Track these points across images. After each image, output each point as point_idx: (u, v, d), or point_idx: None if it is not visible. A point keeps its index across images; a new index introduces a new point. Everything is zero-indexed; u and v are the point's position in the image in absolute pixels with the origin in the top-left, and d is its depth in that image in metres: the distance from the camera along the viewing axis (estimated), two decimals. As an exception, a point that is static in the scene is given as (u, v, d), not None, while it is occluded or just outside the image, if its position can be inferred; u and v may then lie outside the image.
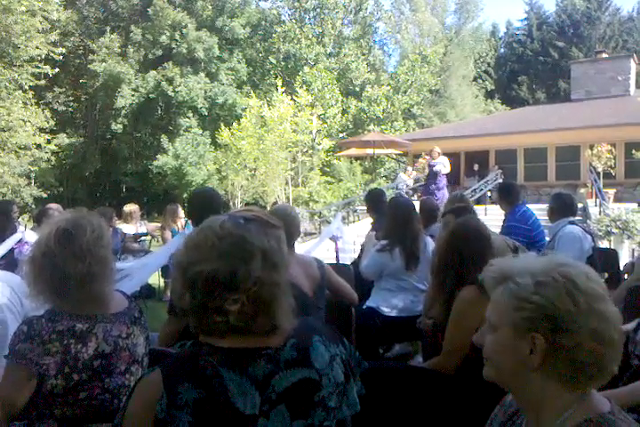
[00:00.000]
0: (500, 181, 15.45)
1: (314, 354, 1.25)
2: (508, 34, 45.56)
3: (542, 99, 37.55)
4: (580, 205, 12.44)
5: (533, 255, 1.17)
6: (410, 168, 18.85)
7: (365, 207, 9.59)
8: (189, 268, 1.17)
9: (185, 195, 23.83)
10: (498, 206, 5.44)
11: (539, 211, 5.55)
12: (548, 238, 4.63)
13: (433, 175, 12.26)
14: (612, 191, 14.29)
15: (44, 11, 17.51)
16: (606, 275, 4.80)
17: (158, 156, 25.16)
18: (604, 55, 23.17)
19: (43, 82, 18.70)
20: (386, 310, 3.63)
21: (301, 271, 2.80)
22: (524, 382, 1.10)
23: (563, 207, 4.39)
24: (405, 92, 28.74)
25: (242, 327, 1.18)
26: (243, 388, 1.16)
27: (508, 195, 5.07)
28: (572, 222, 4.30)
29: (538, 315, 1.04)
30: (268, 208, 17.50)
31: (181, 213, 7.25)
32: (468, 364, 2.15)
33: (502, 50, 45.25)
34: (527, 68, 40.96)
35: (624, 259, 7.88)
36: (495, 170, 17.47)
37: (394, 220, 3.77)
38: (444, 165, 12.28)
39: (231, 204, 18.65)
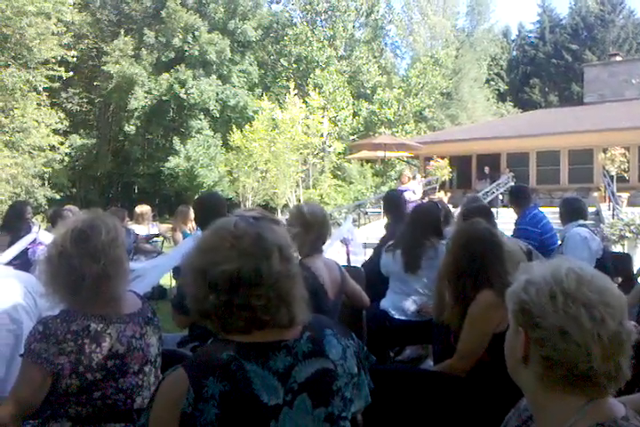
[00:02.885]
0: (512, 184, 15.37)
1: (328, 346, 1.30)
2: (521, 36, 45.38)
3: (555, 102, 37.36)
4: (593, 209, 12.41)
5: (557, 260, 1.17)
6: (418, 176, 18.84)
7: (375, 210, 9.59)
8: (211, 269, 1.20)
9: (196, 196, 23.91)
10: (509, 210, 5.44)
11: (551, 214, 5.52)
12: (560, 242, 4.61)
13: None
14: (625, 195, 14.18)
15: (58, 13, 17.67)
16: (620, 279, 4.76)
17: (170, 157, 25.31)
18: (618, 58, 23.01)
19: (57, 84, 18.85)
20: (395, 314, 3.63)
21: (328, 275, 2.80)
22: (521, 377, 1.14)
23: (571, 212, 4.43)
24: (417, 94, 28.71)
25: (266, 321, 1.23)
26: (265, 380, 1.20)
27: (518, 198, 5.07)
28: (581, 225, 4.30)
29: (520, 309, 1.12)
30: (279, 211, 17.57)
31: (192, 214, 7.27)
32: (483, 368, 2.14)
33: (514, 52, 45.07)
34: (540, 71, 40.77)
35: (638, 263, 7.80)
36: (507, 173, 17.39)
37: (409, 224, 3.78)
38: (413, 192, 10.76)
39: (242, 206, 18.71)
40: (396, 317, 3.61)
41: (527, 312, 1.09)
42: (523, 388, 1.17)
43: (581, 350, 1.03)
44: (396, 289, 3.71)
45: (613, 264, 4.41)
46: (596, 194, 15.15)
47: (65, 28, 18.45)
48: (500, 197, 15.51)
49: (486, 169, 18.58)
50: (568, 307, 1.05)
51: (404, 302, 3.62)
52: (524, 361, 1.11)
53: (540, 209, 5.11)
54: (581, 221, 4.34)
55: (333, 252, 6.91)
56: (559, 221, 4.62)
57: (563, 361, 1.05)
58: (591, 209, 11.34)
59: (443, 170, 17.55)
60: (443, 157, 18.11)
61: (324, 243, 2.95)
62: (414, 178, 18.64)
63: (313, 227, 2.73)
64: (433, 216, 3.79)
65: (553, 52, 40.43)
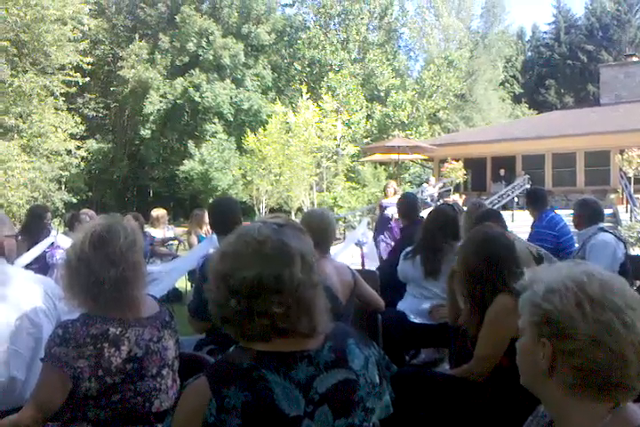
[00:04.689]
0: (528, 186, 15.25)
1: (350, 356, 1.29)
2: (535, 38, 45.11)
3: (571, 103, 37.03)
4: (610, 211, 12.27)
5: (568, 263, 1.15)
6: (432, 178, 18.76)
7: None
8: (233, 275, 1.21)
9: (211, 200, 24.04)
10: (525, 212, 5.39)
11: (567, 217, 5.47)
12: (577, 245, 4.54)
13: (386, 220, 8.41)
14: (643, 197, 13.98)
15: (74, 19, 17.88)
16: (638, 283, 4.69)
17: (185, 161, 25.51)
18: (635, 59, 22.73)
19: (73, 89, 19.06)
20: (412, 317, 3.62)
21: (337, 279, 2.82)
22: (542, 388, 1.11)
23: (591, 214, 4.29)
24: (431, 96, 28.63)
25: (286, 329, 1.22)
26: (287, 391, 1.19)
27: (535, 200, 5.02)
28: (602, 229, 4.21)
29: (543, 320, 1.07)
30: (293, 214, 17.60)
31: (207, 218, 7.29)
32: (502, 373, 2.13)
33: (529, 54, 44.80)
34: (555, 72, 40.45)
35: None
36: (523, 175, 17.26)
37: (426, 228, 3.75)
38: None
39: (256, 209, 18.77)
40: (414, 320, 3.60)
41: (554, 323, 1.05)
42: (544, 398, 1.14)
43: (616, 358, 1.01)
44: (416, 294, 3.70)
45: (632, 267, 4.34)
46: (613, 196, 14.98)
47: (81, 34, 18.66)
48: (516, 199, 15.40)
49: (501, 171, 18.46)
50: (598, 314, 1.02)
51: (422, 306, 3.61)
52: (549, 373, 1.07)
53: (557, 212, 5.05)
54: (601, 225, 4.26)
55: (347, 255, 6.91)
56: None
57: (597, 370, 1.02)
58: (608, 211, 11.22)
59: (457, 172, 17.47)
60: (457, 160, 18.02)
61: (325, 247, 2.95)
62: (429, 181, 18.60)
63: (311, 231, 2.72)
64: (449, 218, 3.73)
65: (568, 52, 40.12)
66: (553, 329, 1.06)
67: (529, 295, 1.12)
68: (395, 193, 8.94)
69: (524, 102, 40.16)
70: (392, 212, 8.19)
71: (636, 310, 1.04)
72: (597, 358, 1.02)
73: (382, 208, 8.69)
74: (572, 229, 4.77)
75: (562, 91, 40.00)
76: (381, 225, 8.37)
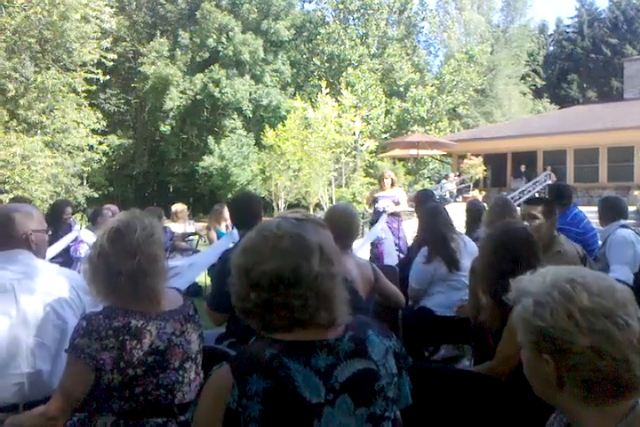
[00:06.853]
0: (550, 182, 15.09)
1: (370, 346, 1.31)
2: (558, 31, 44.46)
3: (593, 98, 36.44)
4: (633, 208, 12.07)
5: (548, 271, 1.13)
6: (452, 174, 18.66)
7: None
8: (253, 268, 1.24)
9: (230, 195, 24.20)
10: (546, 209, 5.29)
11: (589, 213, 5.39)
12: (600, 242, 4.50)
13: (379, 215, 7.07)
14: (668, 193, 13.76)
15: (97, 18, 18.06)
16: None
17: (204, 156, 25.67)
18: (660, 52, 22.30)
19: (95, 87, 19.27)
20: (440, 311, 3.63)
21: (359, 274, 2.84)
22: (556, 399, 1.09)
23: (612, 211, 4.33)
24: (450, 92, 28.39)
25: (306, 320, 1.25)
26: (307, 378, 1.22)
27: (559, 197, 4.95)
28: (623, 226, 4.19)
29: (541, 338, 1.05)
30: (311, 209, 17.62)
31: (227, 213, 7.34)
32: (521, 369, 2.11)
33: (551, 48, 44.19)
34: (577, 67, 39.85)
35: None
36: (549, 170, 17.05)
37: (428, 226, 3.91)
38: (394, 201, 7.21)
39: (274, 204, 18.83)
40: (441, 313, 3.62)
41: (551, 339, 1.03)
42: (559, 408, 1.13)
43: (620, 364, 0.99)
44: (443, 289, 3.76)
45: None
46: (636, 192, 14.75)
47: (102, 32, 18.82)
48: (537, 195, 15.24)
49: (522, 167, 18.28)
50: (591, 323, 1.00)
51: (453, 298, 3.63)
52: (558, 386, 1.06)
53: (579, 209, 4.99)
54: (623, 221, 4.24)
55: (366, 250, 6.90)
56: (597, 221, 4.53)
57: (604, 379, 1.00)
58: (631, 208, 11.06)
59: (477, 168, 17.35)
60: (477, 155, 17.89)
61: (348, 242, 2.96)
62: (448, 176, 18.47)
63: (334, 225, 2.74)
64: (442, 212, 4.00)
65: (591, 46, 39.48)
66: (551, 345, 1.04)
67: (520, 312, 1.10)
68: (392, 186, 7.46)
69: (545, 97, 39.64)
70: (385, 205, 7.15)
71: (627, 307, 1.02)
72: (602, 368, 1.00)
73: (375, 201, 7.40)
74: (596, 226, 4.73)
75: (584, 85, 39.39)
76: (377, 219, 7.05)
